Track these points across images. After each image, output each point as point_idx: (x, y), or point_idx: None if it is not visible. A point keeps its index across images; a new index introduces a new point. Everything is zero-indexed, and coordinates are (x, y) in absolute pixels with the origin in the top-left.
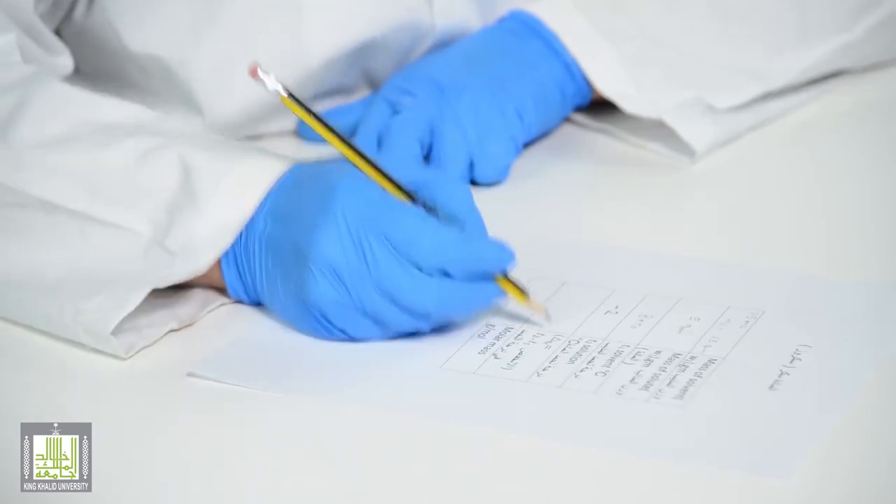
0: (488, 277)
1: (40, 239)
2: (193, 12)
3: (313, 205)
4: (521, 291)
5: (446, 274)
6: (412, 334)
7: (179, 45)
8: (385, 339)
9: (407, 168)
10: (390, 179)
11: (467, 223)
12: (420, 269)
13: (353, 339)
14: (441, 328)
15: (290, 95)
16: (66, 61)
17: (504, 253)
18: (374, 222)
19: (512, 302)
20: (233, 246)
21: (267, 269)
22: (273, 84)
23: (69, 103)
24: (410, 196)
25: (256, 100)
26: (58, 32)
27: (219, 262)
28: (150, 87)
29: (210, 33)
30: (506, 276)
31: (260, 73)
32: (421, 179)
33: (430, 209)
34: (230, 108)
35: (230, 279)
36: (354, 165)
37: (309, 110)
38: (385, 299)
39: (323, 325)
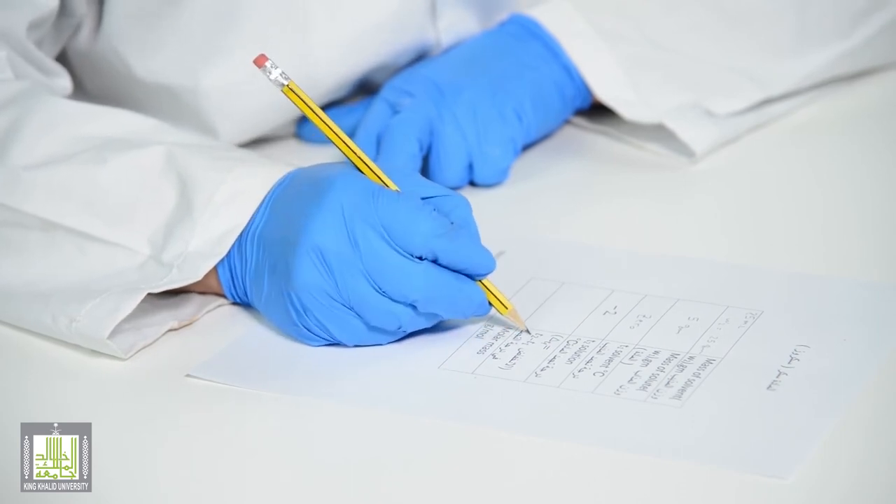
0: (471, 277)
1: (38, 256)
2: (199, 42)
3: (308, 197)
4: (503, 303)
5: (436, 263)
6: (400, 340)
7: (186, 75)
8: (361, 344)
9: (409, 177)
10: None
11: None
12: (411, 257)
13: (331, 340)
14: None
15: (294, 90)
16: (63, 83)
17: (488, 259)
18: (369, 210)
19: (494, 312)
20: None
21: (257, 264)
22: (277, 76)
23: (64, 119)
24: None
25: (266, 121)
26: (64, 55)
27: (214, 267)
28: (161, 110)
29: (216, 63)
30: (485, 283)
31: (267, 64)
32: (420, 188)
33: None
34: (241, 130)
35: (226, 282)
36: (354, 165)
37: (314, 110)
38: (368, 285)
39: (301, 319)
